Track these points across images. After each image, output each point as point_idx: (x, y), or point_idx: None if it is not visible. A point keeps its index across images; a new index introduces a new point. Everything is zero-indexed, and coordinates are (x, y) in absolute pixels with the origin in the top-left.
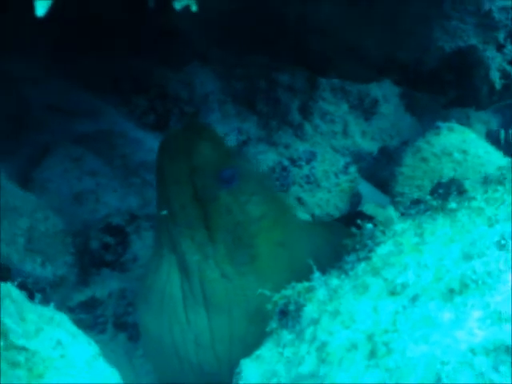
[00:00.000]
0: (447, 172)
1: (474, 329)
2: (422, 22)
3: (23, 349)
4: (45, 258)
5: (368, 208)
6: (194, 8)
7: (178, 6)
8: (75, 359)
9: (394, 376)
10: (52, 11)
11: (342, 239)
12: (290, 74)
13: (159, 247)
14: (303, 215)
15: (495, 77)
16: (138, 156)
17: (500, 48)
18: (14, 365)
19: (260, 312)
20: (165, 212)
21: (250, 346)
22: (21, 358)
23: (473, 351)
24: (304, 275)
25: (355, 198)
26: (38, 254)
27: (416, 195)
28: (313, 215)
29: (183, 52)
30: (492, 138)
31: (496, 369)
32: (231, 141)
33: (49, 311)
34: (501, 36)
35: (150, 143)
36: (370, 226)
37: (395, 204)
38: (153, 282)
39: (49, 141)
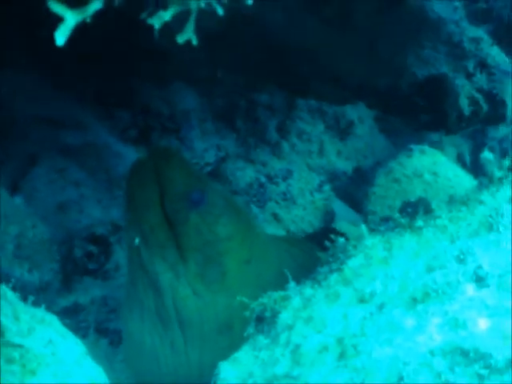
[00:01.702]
0: (418, 193)
1: (433, 334)
2: (398, 49)
3: (18, 346)
4: (32, 264)
5: (341, 225)
6: (194, 42)
7: (180, 39)
8: (65, 357)
9: (360, 375)
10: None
11: (307, 255)
12: (269, 93)
13: (132, 271)
14: (279, 231)
15: (464, 104)
16: (121, 169)
17: (469, 76)
18: (10, 361)
19: (228, 324)
20: (135, 237)
21: (218, 352)
22: (16, 354)
23: (432, 353)
24: (270, 289)
25: (328, 216)
26: (26, 261)
27: (387, 214)
28: (288, 231)
29: (167, 70)
30: (462, 162)
31: (452, 369)
32: (210, 157)
33: (40, 312)
34: (470, 65)
35: (132, 157)
36: (342, 240)
37: (368, 223)
38: (133, 295)
39: (35, 151)
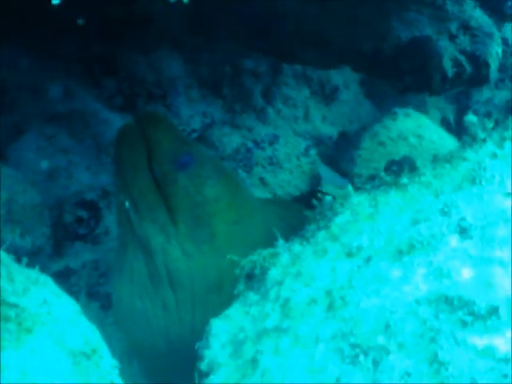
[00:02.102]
0: (403, 155)
1: (419, 283)
2: (382, 12)
3: (14, 305)
4: (23, 229)
5: (327, 189)
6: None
7: None
8: (60, 316)
9: (349, 325)
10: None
11: (295, 215)
12: (255, 59)
13: (122, 234)
14: (266, 195)
15: (448, 65)
16: (109, 136)
17: (452, 38)
18: (6, 319)
19: (218, 284)
20: (125, 200)
21: (209, 311)
22: (11, 313)
23: (418, 302)
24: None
25: (315, 180)
26: (18, 225)
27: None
28: (275, 195)
29: (154, 37)
30: (446, 124)
31: (437, 316)
32: (196, 123)
33: (34, 273)
34: (453, 27)
35: (119, 124)
36: (329, 198)
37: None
38: (123, 258)
39: (23, 120)
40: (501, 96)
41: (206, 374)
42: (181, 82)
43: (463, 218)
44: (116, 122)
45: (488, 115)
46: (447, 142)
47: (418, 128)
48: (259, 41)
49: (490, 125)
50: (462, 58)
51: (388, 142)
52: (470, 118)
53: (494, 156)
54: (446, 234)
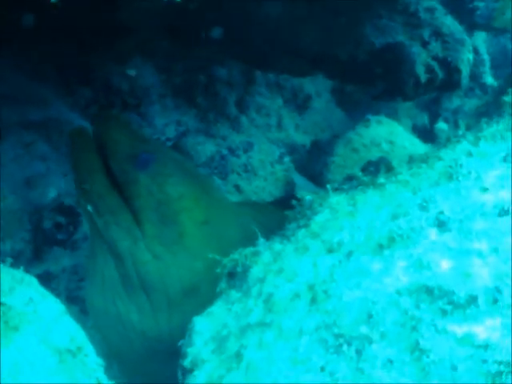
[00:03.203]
0: None
1: (399, 275)
2: (355, 19)
3: (0, 304)
4: (3, 233)
5: (302, 195)
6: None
7: None
8: (46, 315)
9: (332, 316)
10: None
11: (270, 217)
12: (228, 68)
13: (92, 239)
14: None
15: (420, 71)
16: None
17: (425, 45)
18: None
19: (193, 286)
20: (87, 205)
21: (187, 312)
22: None
23: (399, 293)
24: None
25: (289, 186)
26: None
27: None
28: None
29: (127, 46)
30: (418, 132)
31: (418, 306)
32: (170, 132)
33: (19, 273)
34: (426, 33)
35: None
36: (309, 197)
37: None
38: (94, 264)
39: (1, 127)
40: (470, 104)
41: (190, 371)
42: (155, 91)
43: (441, 212)
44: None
45: (458, 123)
46: (419, 148)
47: (390, 135)
48: (234, 48)
49: (462, 130)
50: (435, 64)
51: (361, 149)
52: (441, 125)
53: (470, 154)
54: (424, 227)
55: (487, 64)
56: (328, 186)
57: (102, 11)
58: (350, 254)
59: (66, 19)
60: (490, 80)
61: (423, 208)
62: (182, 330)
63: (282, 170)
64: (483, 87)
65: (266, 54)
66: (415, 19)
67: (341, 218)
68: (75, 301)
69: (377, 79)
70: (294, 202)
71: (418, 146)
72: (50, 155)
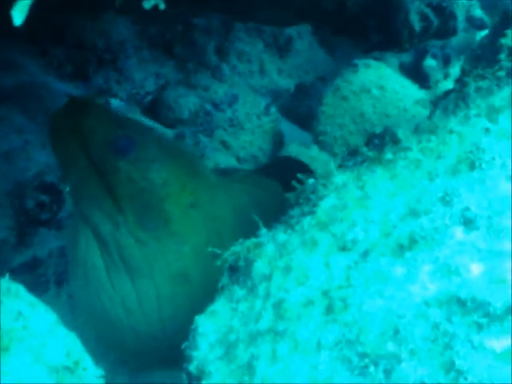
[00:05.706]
0: (367, 108)
1: (426, 282)
2: None
3: None
4: None
5: (292, 149)
6: (161, 6)
7: (147, 5)
8: (37, 328)
9: (353, 330)
10: None
11: (266, 191)
12: (206, 17)
13: (74, 221)
14: (229, 158)
15: (415, 19)
16: None
17: None
18: None
19: (183, 273)
20: (68, 188)
21: (179, 305)
22: None
23: (427, 304)
24: (225, 234)
25: (277, 138)
26: None
27: (338, 134)
28: (238, 157)
29: (99, 2)
30: (405, 70)
31: (449, 320)
32: (150, 85)
33: (5, 283)
34: None
35: (72, 94)
36: (311, 180)
37: (319, 143)
38: (74, 255)
39: None
40: (458, 38)
41: (197, 378)
42: (130, 44)
43: (467, 208)
44: (69, 92)
45: (447, 59)
46: (410, 90)
47: (379, 79)
48: (213, 2)
49: (452, 71)
50: (429, 11)
51: (351, 97)
52: (429, 61)
53: (487, 132)
54: (449, 226)
55: None
56: (331, 164)
57: None
58: (366, 254)
59: None
60: (478, 12)
61: (446, 203)
62: (175, 324)
63: (269, 122)
64: (471, 20)
65: (247, 4)
66: None
67: (350, 205)
68: (64, 284)
69: (369, 31)
70: (295, 183)
71: (409, 88)
72: (26, 126)
